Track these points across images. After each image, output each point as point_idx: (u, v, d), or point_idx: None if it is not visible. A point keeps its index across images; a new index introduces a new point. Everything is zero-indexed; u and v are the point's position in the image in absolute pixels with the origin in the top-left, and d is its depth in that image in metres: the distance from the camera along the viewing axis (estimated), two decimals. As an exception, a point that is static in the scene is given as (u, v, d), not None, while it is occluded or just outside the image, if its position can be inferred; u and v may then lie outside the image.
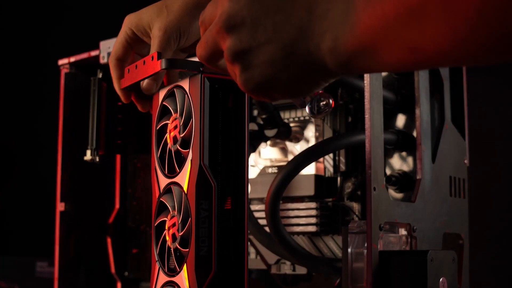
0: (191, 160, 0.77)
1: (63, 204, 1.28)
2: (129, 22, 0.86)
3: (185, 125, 0.79)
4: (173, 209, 0.80)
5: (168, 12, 0.83)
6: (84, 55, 1.27)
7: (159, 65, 0.77)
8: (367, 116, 0.89)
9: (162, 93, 0.84)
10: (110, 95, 1.15)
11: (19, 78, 2.22)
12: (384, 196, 0.92)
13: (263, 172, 1.11)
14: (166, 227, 0.81)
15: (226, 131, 0.78)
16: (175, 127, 0.81)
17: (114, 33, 1.24)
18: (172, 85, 0.82)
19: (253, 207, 1.10)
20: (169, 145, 0.82)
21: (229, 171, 0.78)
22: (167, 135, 0.82)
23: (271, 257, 1.10)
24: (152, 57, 0.79)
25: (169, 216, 0.81)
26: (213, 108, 0.77)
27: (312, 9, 0.57)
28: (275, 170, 1.10)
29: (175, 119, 0.81)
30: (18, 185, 2.22)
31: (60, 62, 1.30)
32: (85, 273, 1.33)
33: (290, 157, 1.11)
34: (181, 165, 0.79)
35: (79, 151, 1.20)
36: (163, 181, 0.82)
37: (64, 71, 1.30)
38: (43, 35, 2.18)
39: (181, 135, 0.79)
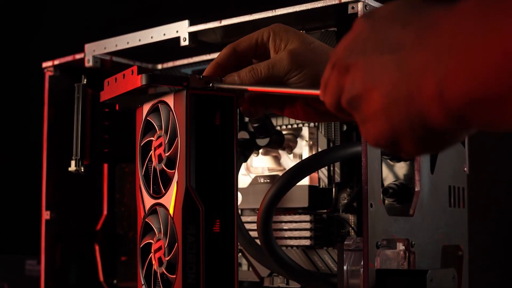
0: (177, 182, 0.73)
1: (48, 212, 1.24)
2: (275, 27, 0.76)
3: (170, 143, 0.74)
4: (159, 231, 0.76)
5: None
6: (68, 58, 1.22)
7: (139, 80, 0.72)
8: (363, 129, 0.85)
9: (146, 108, 0.80)
10: (96, 101, 1.10)
11: (2, 80, 2.17)
12: (381, 213, 0.88)
13: (254, 181, 1.07)
14: (152, 250, 0.77)
15: (214, 150, 0.74)
16: (160, 144, 0.76)
17: (100, 36, 1.20)
18: (156, 100, 0.78)
19: (245, 218, 1.06)
20: (153, 164, 0.77)
21: (217, 193, 0.74)
22: (152, 152, 0.78)
23: (264, 270, 1.06)
24: (132, 71, 0.74)
25: (154, 239, 0.77)
26: (199, 126, 0.73)
27: (416, 37, 0.45)
28: (267, 179, 1.06)
29: (160, 136, 0.76)
30: (6, 182, 2.18)
31: (44, 64, 1.26)
32: (73, 282, 1.29)
33: (283, 166, 1.07)
34: (166, 185, 0.75)
35: (65, 157, 1.15)
36: (148, 201, 0.78)
37: (48, 74, 1.25)
38: (28, 37, 2.13)
39: (166, 154, 0.75)
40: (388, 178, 1.01)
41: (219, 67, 0.76)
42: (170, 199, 0.74)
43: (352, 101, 0.52)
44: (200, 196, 0.72)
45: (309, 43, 0.74)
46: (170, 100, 0.75)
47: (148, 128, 0.79)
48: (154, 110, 0.78)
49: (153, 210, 0.77)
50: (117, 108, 0.81)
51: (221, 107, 0.74)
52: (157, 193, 0.77)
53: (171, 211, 0.73)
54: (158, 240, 0.76)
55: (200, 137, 0.73)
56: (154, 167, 0.77)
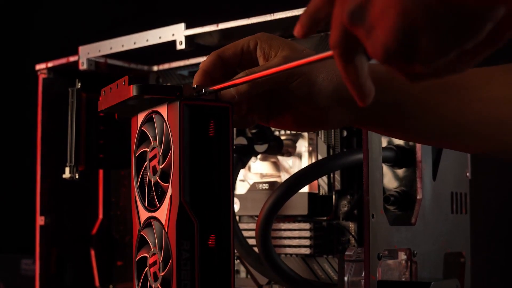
0: (171, 196, 0.70)
1: (43, 217, 1.22)
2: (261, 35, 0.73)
3: (164, 155, 0.72)
4: (154, 245, 0.74)
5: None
6: (62, 60, 1.20)
7: (131, 90, 0.70)
8: (364, 137, 0.83)
9: (140, 117, 0.77)
10: (90, 105, 1.08)
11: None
12: (383, 223, 0.86)
13: (253, 188, 1.05)
14: (148, 264, 0.75)
15: (209, 163, 0.71)
16: (154, 156, 0.74)
17: (94, 38, 1.17)
18: (150, 110, 0.75)
19: (243, 225, 1.04)
20: (148, 175, 0.75)
21: (212, 206, 0.71)
22: (147, 163, 0.75)
23: (263, 277, 1.04)
24: (124, 81, 0.71)
25: (150, 253, 0.74)
26: (193, 138, 0.70)
27: None
28: (265, 186, 1.04)
29: (154, 147, 0.74)
30: (3, 182, 2.16)
31: (38, 67, 1.23)
32: (69, 287, 1.27)
33: (282, 172, 1.05)
34: (161, 199, 0.72)
35: (59, 161, 1.13)
36: (143, 213, 0.76)
37: (42, 76, 1.23)
38: (21, 39, 2.10)
39: (161, 166, 0.72)
40: (388, 179, 0.98)
41: (207, 75, 0.73)
42: (164, 213, 0.71)
43: (355, 13, 0.49)
44: (194, 211, 0.70)
45: (301, 51, 0.71)
46: (163, 110, 0.72)
47: (143, 138, 0.76)
48: (148, 120, 0.75)
49: (148, 223, 0.75)
50: (116, 117, 0.79)
51: (216, 117, 0.71)
52: (152, 206, 0.74)
53: (165, 226, 0.71)
54: (153, 254, 0.74)
55: (194, 149, 0.70)
56: (148, 179, 0.75)
